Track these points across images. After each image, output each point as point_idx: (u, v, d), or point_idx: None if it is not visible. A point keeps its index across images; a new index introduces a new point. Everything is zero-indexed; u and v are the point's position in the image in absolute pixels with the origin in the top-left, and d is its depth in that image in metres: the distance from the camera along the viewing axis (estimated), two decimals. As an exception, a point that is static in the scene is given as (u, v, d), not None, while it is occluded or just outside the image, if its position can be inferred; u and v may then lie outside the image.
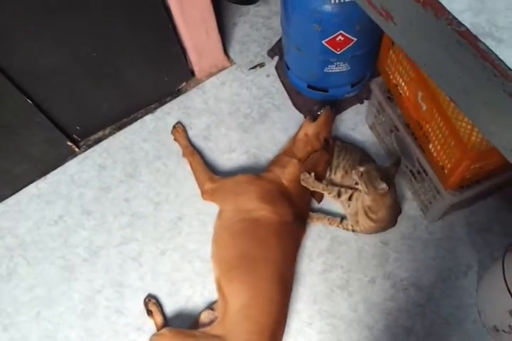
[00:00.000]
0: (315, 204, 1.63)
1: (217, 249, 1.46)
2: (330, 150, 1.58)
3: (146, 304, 1.52)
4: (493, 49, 0.59)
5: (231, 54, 1.96)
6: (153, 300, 1.52)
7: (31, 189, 1.76)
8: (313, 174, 1.50)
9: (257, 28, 2.02)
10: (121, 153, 1.81)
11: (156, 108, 1.89)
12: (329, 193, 1.50)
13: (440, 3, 0.62)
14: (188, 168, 1.69)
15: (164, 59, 1.76)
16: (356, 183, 1.41)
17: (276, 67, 1.92)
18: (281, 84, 1.89)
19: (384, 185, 1.35)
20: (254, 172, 1.70)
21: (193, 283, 1.56)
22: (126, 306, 1.55)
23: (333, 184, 1.57)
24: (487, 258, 1.52)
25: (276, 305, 1.35)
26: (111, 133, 1.86)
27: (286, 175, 1.51)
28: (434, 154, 1.34)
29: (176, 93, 1.91)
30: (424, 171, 1.44)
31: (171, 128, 1.83)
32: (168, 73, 1.82)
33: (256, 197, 1.46)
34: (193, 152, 1.70)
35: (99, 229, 1.68)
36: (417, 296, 1.50)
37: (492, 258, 1.49)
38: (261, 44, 1.98)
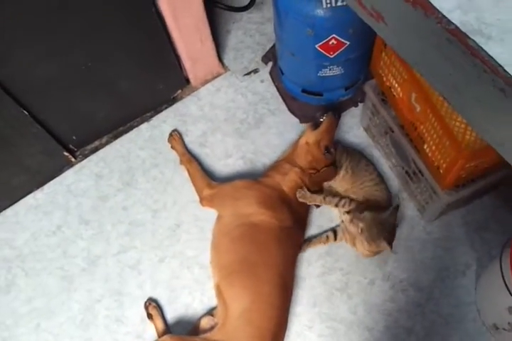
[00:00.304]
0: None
1: (217, 254, 1.46)
2: (332, 159, 1.55)
3: (146, 308, 1.52)
4: (482, 46, 0.60)
5: (225, 61, 1.98)
6: (154, 304, 1.52)
7: (29, 200, 1.76)
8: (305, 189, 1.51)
9: (250, 35, 2.04)
10: (117, 161, 1.82)
11: (151, 116, 1.90)
12: (328, 204, 1.52)
13: (429, 2, 0.63)
14: (186, 174, 1.69)
15: (159, 67, 1.77)
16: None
17: (271, 73, 1.93)
18: (275, 89, 1.90)
19: (384, 244, 1.39)
20: (251, 177, 1.71)
21: (192, 290, 1.56)
22: (126, 315, 1.54)
23: (332, 192, 1.59)
24: (485, 257, 1.52)
25: (277, 309, 1.35)
26: (107, 143, 1.86)
27: (287, 182, 1.51)
28: (429, 154, 1.35)
29: (172, 101, 1.92)
30: (420, 172, 1.45)
31: (167, 136, 1.83)
32: (163, 81, 1.83)
33: (255, 202, 1.46)
34: (191, 159, 1.71)
35: (98, 238, 1.68)
36: (417, 296, 1.50)
37: (490, 257, 1.50)
38: (255, 50, 2.00)
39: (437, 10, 0.63)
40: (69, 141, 1.77)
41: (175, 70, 1.82)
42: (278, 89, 1.90)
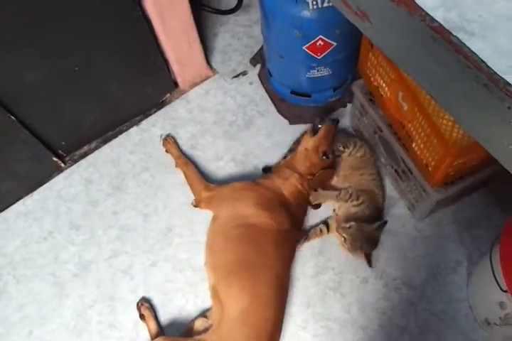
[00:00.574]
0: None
1: (213, 254, 1.45)
2: (330, 163, 1.55)
3: (138, 308, 1.51)
4: (465, 42, 0.61)
5: (214, 63, 1.98)
6: (146, 305, 1.51)
7: (18, 206, 1.75)
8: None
9: (238, 37, 2.04)
10: (107, 166, 1.81)
11: (141, 120, 1.90)
12: (341, 199, 1.52)
13: (413, 0, 0.65)
14: (177, 177, 1.69)
15: (147, 71, 1.77)
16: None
17: (259, 75, 1.94)
18: (264, 91, 1.91)
19: (363, 258, 1.50)
20: (242, 178, 1.72)
21: (186, 293, 1.55)
22: (119, 320, 1.53)
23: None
24: (475, 253, 1.54)
25: (274, 310, 1.35)
26: (96, 147, 1.85)
27: (287, 186, 1.52)
28: (418, 152, 1.37)
29: (161, 104, 1.92)
30: (409, 170, 1.46)
31: (157, 139, 1.83)
32: (151, 85, 1.83)
33: (253, 203, 1.46)
34: (187, 162, 1.70)
35: (89, 243, 1.66)
36: (410, 294, 1.51)
37: (480, 253, 1.51)
38: (243, 53, 2.00)
39: (421, 8, 0.64)
40: (58, 146, 1.76)
41: (163, 74, 1.82)
42: (267, 91, 1.90)
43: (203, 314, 1.46)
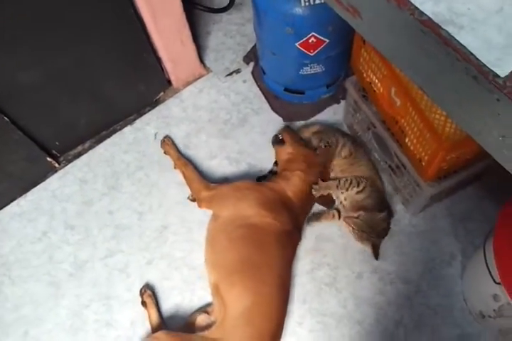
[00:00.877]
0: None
1: (215, 253, 1.45)
2: (312, 149, 1.63)
3: (141, 295, 1.52)
4: (454, 35, 0.61)
5: (207, 62, 1.98)
6: (149, 292, 1.52)
7: (12, 207, 1.74)
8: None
9: (231, 36, 2.04)
10: (102, 166, 1.80)
11: (134, 119, 1.89)
12: (342, 188, 1.54)
13: (402, -6, 0.65)
14: (179, 176, 1.68)
15: (140, 70, 1.76)
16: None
17: (253, 73, 1.94)
18: (258, 88, 1.91)
19: (369, 249, 1.51)
20: (236, 177, 1.73)
21: (182, 291, 1.56)
22: (116, 318, 1.53)
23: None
24: (469, 247, 1.55)
25: (276, 310, 1.36)
26: (90, 147, 1.85)
27: (291, 186, 1.52)
28: (411, 147, 1.37)
29: (154, 103, 1.92)
30: (403, 165, 1.47)
31: (151, 138, 1.83)
32: (145, 84, 1.82)
33: (256, 204, 1.45)
34: (186, 163, 1.70)
35: (84, 243, 1.66)
36: (405, 289, 1.52)
37: (474, 246, 1.52)
38: (236, 51, 2.00)
39: (410, 2, 0.65)
40: (52, 146, 1.76)
41: (156, 72, 1.82)
42: (260, 89, 1.91)
43: (204, 309, 1.46)
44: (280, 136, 1.66)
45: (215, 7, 2.03)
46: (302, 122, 1.83)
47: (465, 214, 1.61)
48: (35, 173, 1.77)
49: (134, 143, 1.84)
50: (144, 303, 1.51)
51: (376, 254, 1.51)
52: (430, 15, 0.63)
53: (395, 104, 1.36)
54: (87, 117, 1.78)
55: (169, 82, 1.91)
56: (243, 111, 1.88)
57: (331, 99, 1.84)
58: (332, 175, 1.62)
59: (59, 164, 1.80)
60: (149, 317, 1.48)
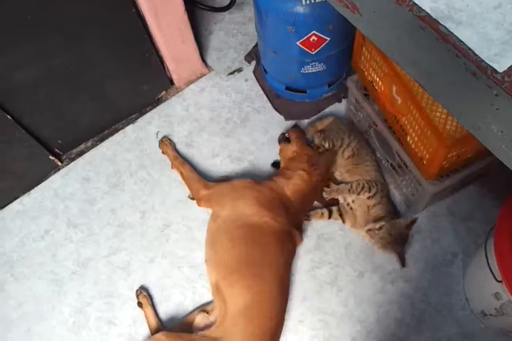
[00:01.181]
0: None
1: (215, 253, 1.44)
2: (315, 149, 1.64)
3: (137, 296, 1.53)
4: (453, 31, 0.62)
5: (209, 61, 1.99)
6: (144, 293, 1.53)
7: (15, 205, 1.75)
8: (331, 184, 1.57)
9: (232, 35, 2.05)
10: (104, 164, 1.81)
11: (137, 118, 1.90)
12: (354, 192, 1.53)
13: (400, -10, 0.65)
14: (174, 175, 1.70)
15: (142, 69, 1.77)
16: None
17: (254, 72, 1.95)
18: (259, 87, 1.91)
19: (394, 256, 1.49)
20: (238, 175, 1.73)
21: (183, 289, 1.56)
22: (118, 316, 1.53)
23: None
24: (471, 245, 1.55)
25: (277, 308, 1.37)
26: (93, 146, 1.86)
27: (291, 185, 1.52)
28: (413, 146, 1.37)
29: (156, 102, 1.92)
30: (404, 164, 1.47)
31: (153, 137, 1.84)
32: (147, 83, 1.83)
33: (255, 203, 1.45)
34: (183, 163, 1.70)
35: (87, 241, 1.67)
36: (406, 287, 1.51)
37: (476, 245, 1.52)
38: (237, 50, 2.01)
39: (408, -3, 0.65)
40: (54, 145, 1.77)
41: (158, 71, 1.83)
42: (262, 88, 1.91)
43: (203, 308, 1.47)
44: (287, 135, 1.67)
45: (217, 6, 2.03)
46: (305, 121, 1.83)
47: (466, 213, 1.61)
48: (38, 172, 1.78)
49: (136, 142, 1.85)
50: (139, 304, 1.51)
51: (403, 262, 1.48)
52: (428, 11, 0.64)
53: (396, 102, 1.36)
54: (89, 116, 1.78)
55: (171, 81, 1.92)
56: (245, 109, 1.88)
57: (333, 98, 1.84)
58: (339, 177, 1.61)
59: (61, 162, 1.81)
60: (146, 317, 1.49)
